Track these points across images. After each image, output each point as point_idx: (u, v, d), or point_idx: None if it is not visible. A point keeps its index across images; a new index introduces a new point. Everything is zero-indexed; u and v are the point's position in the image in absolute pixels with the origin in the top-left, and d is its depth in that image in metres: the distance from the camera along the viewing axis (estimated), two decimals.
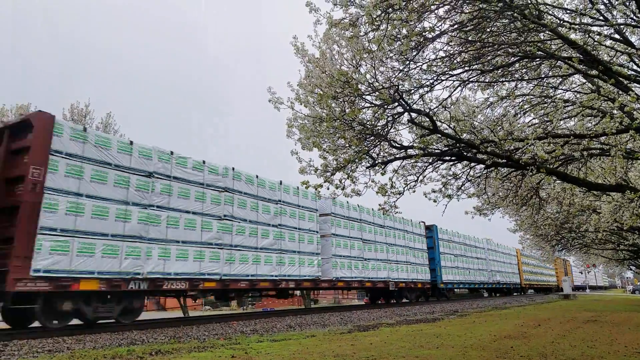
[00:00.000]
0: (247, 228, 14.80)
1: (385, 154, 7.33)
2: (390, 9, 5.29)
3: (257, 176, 15.71)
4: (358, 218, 20.95)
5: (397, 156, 7.37)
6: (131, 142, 12.11)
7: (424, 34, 5.85)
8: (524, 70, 7.86)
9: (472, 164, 8.46)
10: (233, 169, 14.76)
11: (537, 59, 6.97)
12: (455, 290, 31.32)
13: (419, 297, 26.12)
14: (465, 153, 7.66)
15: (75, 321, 10.85)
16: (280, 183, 16.82)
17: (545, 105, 9.01)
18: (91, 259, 10.45)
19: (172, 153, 12.96)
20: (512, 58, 6.69)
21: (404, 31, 5.66)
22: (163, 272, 11.94)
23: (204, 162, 13.79)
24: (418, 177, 7.81)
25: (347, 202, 20.40)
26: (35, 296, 9.75)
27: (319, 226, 18.31)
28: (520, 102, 8.97)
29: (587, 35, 6.32)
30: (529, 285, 43.31)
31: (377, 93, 6.12)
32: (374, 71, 6.07)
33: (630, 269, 50.08)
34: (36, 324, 10.48)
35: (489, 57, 6.64)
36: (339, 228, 19.50)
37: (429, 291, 26.47)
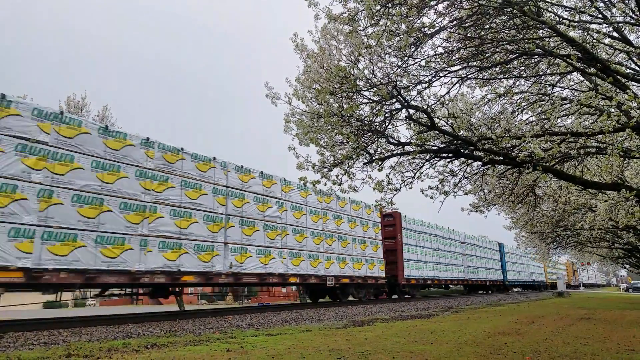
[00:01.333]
0: (460, 257, 31.21)
1: (383, 150, 7.33)
2: (390, 4, 5.28)
3: (460, 231, 31.96)
4: (473, 244, 34.28)
5: (395, 152, 7.38)
6: (429, 222, 27.70)
7: (423, 29, 5.84)
8: (522, 67, 7.86)
9: (469, 161, 8.47)
10: (460, 232, 32.03)
11: (536, 56, 6.97)
12: (514, 287, 46.06)
13: (498, 289, 40.08)
14: (462, 150, 7.67)
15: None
16: (461, 232, 32.58)
17: (543, 102, 9.02)
18: (420, 271, 25.09)
19: (444, 227, 29.70)
20: (511, 55, 6.68)
21: (403, 27, 5.65)
22: (439, 276, 27.53)
23: (449, 228, 30.46)
24: (415, 174, 7.82)
25: (470, 234, 34.20)
26: (405, 286, 24.09)
27: (463, 250, 32.30)
28: (518, 100, 8.97)
29: (585, 33, 6.33)
30: (550, 282, 55.11)
31: (375, 89, 6.11)
32: (372, 67, 6.06)
33: (625, 267, 50.45)
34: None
35: (487, 54, 6.64)
36: (468, 250, 32.92)
37: (502, 287, 40.31)
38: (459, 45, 6.42)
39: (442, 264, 28.05)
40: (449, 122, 7.68)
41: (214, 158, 13.98)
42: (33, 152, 9.86)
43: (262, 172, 15.72)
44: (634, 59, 7.42)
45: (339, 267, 18.65)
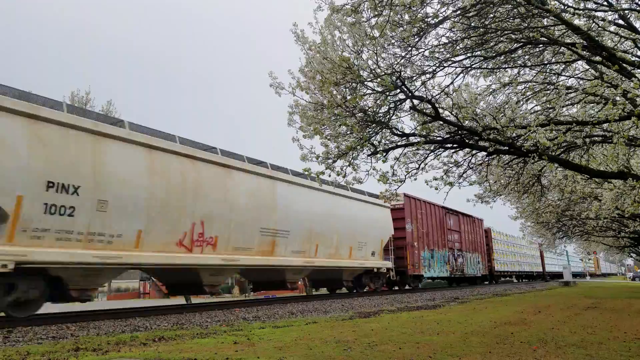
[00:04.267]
0: (557, 260, 53.97)
1: (387, 142, 7.32)
2: None
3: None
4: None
5: (399, 144, 7.36)
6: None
7: (426, 19, 5.80)
8: (527, 56, 7.81)
9: (474, 152, 8.44)
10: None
11: (540, 45, 6.92)
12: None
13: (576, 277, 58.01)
14: (467, 140, 7.64)
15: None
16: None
17: (548, 92, 8.96)
18: (548, 268, 50.30)
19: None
20: (515, 44, 6.64)
21: (407, 17, 5.62)
22: (552, 270, 51.25)
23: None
24: (419, 165, 7.80)
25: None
26: (546, 276, 48.96)
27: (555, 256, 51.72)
28: (522, 89, 8.92)
29: (591, 21, 6.27)
30: (587, 272, 75.09)
31: (379, 79, 6.09)
32: (375, 57, 6.04)
33: (631, 257, 50.48)
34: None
35: (491, 44, 6.59)
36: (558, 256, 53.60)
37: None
38: (463, 35, 6.38)
39: (553, 265, 50.47)
40: (453, 113, 7.64)
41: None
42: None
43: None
44: None
45: (534, 269, 44.17)
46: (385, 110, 6.67)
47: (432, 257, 23.10)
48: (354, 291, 19.33)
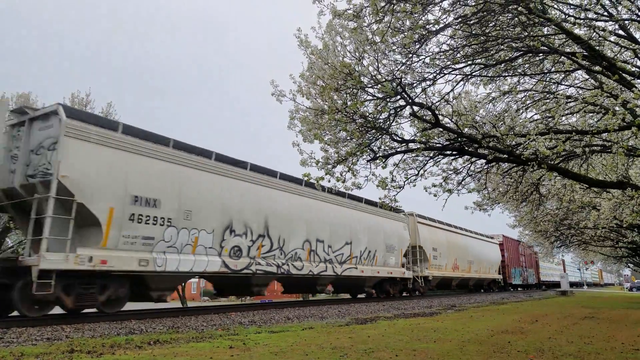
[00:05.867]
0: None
1: (387, 148, 7.31)
2: (394, 0, 5.26)
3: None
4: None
5: (398, 150, 7.35)
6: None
7: (427, 26, 5.81)
8: (527, 65, 7.82)
9: (473, 159, 8.44)
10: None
11: (541, 54, 6.94)
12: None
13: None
14: (466, 148, 7.64)
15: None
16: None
17: (548, 101, 8.98)
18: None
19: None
20: (516, 53, 6.65)
21: (408, 23, 5.63)
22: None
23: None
24: (419, 171, 7.79)
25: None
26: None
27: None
28: (522, 98, 8.94)
29: (591, 31, 6.29)
30: (594, 282, 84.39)
31: (379, 86, 6.09)
32: (376, 63, 6.04)
33: (629, 267, 50.47)
34: None
35: (492, 52, 6.60)
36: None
37: (581, 285, 68.58)
38: (464, 43, 6.39)
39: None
40: (453, 120, 7.64)
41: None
42: None
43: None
44: None
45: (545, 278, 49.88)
46: (386, 116, 6.67)
47: (515, 272, 39.61)
48: (481, 291, 35.27)
